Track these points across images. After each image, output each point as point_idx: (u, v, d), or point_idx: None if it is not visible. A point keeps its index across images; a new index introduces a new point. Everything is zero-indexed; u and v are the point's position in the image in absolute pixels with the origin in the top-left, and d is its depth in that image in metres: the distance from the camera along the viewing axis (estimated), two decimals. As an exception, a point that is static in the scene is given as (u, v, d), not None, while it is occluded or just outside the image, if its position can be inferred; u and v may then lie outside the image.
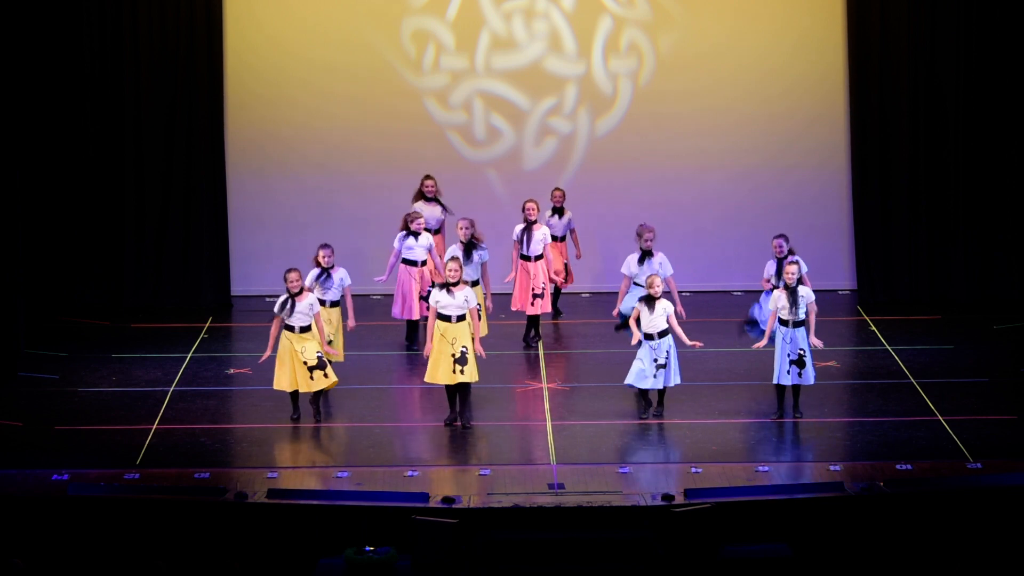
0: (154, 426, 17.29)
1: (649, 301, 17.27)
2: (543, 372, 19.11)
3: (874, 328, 20.83)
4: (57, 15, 21.44)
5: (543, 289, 19.73)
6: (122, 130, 21.85)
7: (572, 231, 21.04)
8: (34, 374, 19.08)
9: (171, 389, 18.52)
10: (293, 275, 17.40)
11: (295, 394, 17.45)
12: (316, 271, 18.30)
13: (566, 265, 20.95)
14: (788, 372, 17.23)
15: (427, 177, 20.55)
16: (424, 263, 19.54)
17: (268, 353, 17.40)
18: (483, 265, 19.11)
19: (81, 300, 21.98)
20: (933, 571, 14.56)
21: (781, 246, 18.43)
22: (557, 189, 20.98)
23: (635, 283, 18.53)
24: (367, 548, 14.18)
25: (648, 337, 17.27)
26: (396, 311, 19.71)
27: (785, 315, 17.28)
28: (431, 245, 19.63)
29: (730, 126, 22.35)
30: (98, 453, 16.44)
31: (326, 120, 22.27)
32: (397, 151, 22.29)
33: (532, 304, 19.78)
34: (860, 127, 22.11)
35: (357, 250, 21.60)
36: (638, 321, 17.28)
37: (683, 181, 22.41)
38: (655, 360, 17.22)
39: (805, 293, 17.32)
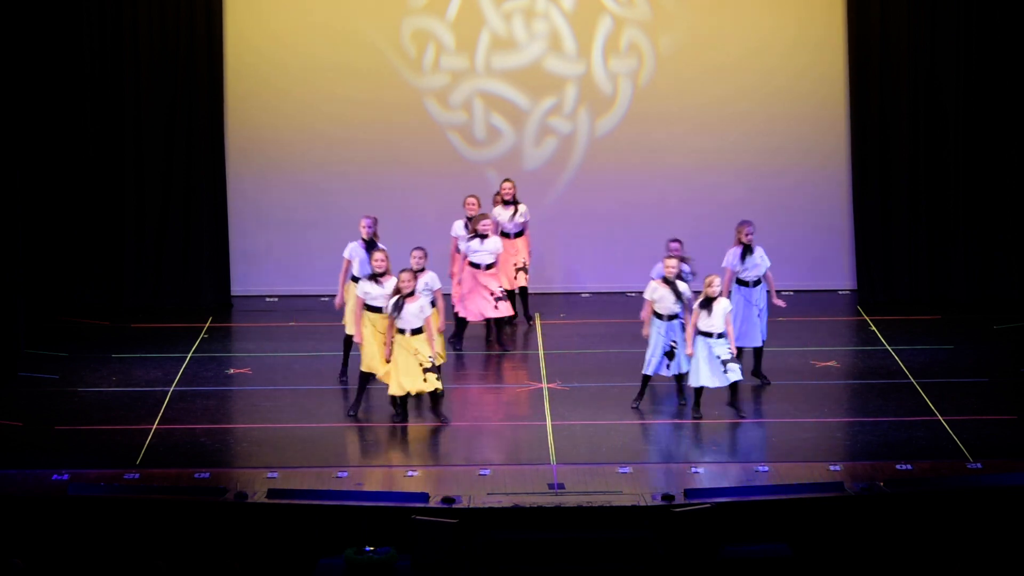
0: (154, 426, 17.29)
1: (707, 302, 17.31)
2: (543, 372, 19.10)
3: (874, 328, 20.83)
4: (57, 15, 21.44)
5: (499, 294, 19.52)
6: (122, 130, 21.85)
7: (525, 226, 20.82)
8: (34, 374, 19.08)
9: (171, 389, 18.52)
10: (405, 275, 17.05)
11: (404, 397, 17.31)
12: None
13: (520, 268, 20.43)
14: (662, 363, 17.49)
15: (505, 180, 20.42)
16: (489, 267, 19.49)
17: (387, 351, 17.11)
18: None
19: (81, 300, 21.97)
20: (933, 571, 14.56)
21: (750, 233, 18.37)
22: (507, 180, 20.77)
23: (739, 279, 18.34)
24: (367, 548, 14.18)
25: (707, 335, 17.33)
26: (458, 310, 19.60)
27: (661, 309, 17.38)
28: (499, 249, 19.54)
29: (730, 126, 22.35)
30: (98, 453, 16.43)
31: (326, 120, 22.27)
32: (397, 151, 22.29)
33: (495, 308, 19.58)
34: (860, 127, 22.11)
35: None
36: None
37: (683, 181, 22.41)
38: (718, 356, 17.27)
39: (685, 288, 17.47)
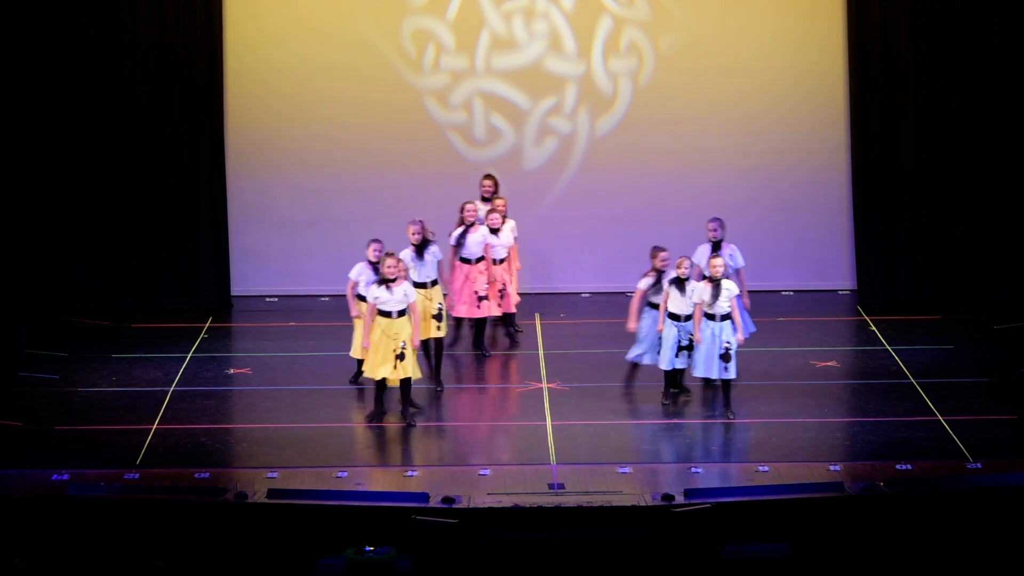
0: (154, 426, 17.29)
1: (679, 283, 17.50)
2: (543, 372, 19.10)
3: (874, 328, 20.83)
4: (58, 16, 21.43)
5: (487, 291, 19.41)
6: (122, 130, 21.85)
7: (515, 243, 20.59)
8: (34, 374, 19.08)
9: (171, 389, 18.52)
10: (390, 260, 17.23)
11: (382, 384, 17.57)
12: None
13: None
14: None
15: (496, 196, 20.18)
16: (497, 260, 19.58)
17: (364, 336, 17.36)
18: (439, 263, 18.52)
19: (81, 300, 21.97)
20: (933, 571, 14.56)
21: (716, 229, 18.39)
22: (499, 197, 20.23)
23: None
24: (367, 548, 14.18)
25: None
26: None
27: (708, 309, 17.33)
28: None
29: (730, 126, 22.35)
30: (98, 453, 16.43)
31: (326, 120, 22.27)
32: (397, 151, 22.29)
33: (478, 307, 19.35)
34: (860, 127, 22.11)
35: (357, 249, 21.54)
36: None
37: (683, 181, 22.41)
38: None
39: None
